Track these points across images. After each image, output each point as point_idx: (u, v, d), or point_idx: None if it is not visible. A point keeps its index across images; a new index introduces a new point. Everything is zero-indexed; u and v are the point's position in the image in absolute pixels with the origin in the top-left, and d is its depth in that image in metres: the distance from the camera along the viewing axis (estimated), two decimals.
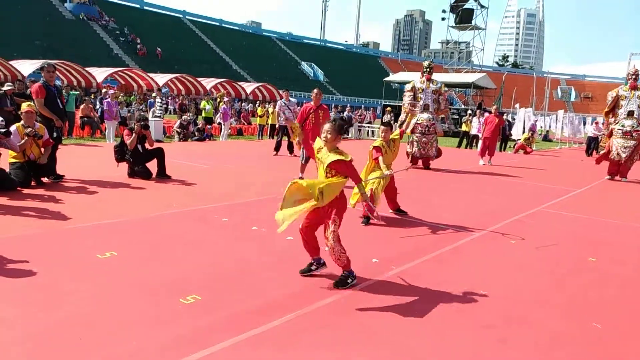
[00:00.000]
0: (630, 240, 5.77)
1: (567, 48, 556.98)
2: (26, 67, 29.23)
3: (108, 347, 2.64)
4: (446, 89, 11.48)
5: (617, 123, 11.19)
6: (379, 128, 5.95)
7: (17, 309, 3.02)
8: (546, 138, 30.46)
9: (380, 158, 5.68)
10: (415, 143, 11.15)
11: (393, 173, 5.73)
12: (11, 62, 28.73)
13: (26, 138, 6.58)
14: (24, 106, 6.90)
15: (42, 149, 6.88)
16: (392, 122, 7.76)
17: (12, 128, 6.68)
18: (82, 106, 15.44)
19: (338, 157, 3.52)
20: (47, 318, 2.93)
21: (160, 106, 16.24)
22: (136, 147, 7.75)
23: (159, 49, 53.86)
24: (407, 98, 11.39)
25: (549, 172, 12.52)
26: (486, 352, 2.86)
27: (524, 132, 19.76)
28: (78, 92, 23.49)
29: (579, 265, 4.67)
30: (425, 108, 11.18)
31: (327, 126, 3.58)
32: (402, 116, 11.60)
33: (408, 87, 11.59)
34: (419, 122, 11.02)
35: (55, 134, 7.17)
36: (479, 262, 4.55)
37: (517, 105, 24.56)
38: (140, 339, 2.74)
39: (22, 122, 6.80)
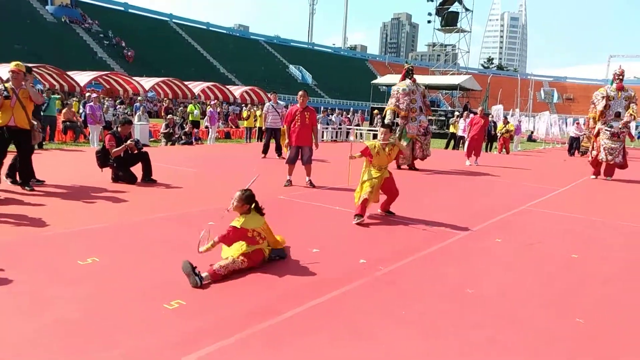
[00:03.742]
0: (613, 237, 5.83)
1: (549, 51, 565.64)
2: (5, 71, 28.73)
3: (91, 353, 2.56)
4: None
5: (604, 124, 11.29)
6: (379, 130, 6.05)
7: None
8: (530, 138, 30.85)
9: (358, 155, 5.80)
10: (419, 144, 11.30)
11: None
12: None
13: (4, 94, 6.07)
14: (12, 65, 6.37)
15: (29, 117, 6.40)
16: (389, 123, 7.67)
17: None
18: (64, 110, 15.20)
19: (233, 223, 3.97)
20: (28, 325, 2.84)
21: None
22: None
23: (131, 51, 52.92)
24: (406, 103, 11.14)
25: (534, 171, 12.64)
26: (475, 352, 2.84)
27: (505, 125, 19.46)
28: (60, 96, 23.13)
29: (564, 262, 4.69)
30: (421, 110, 11.33)
31: (235, 195, 4.05)
32: (390, 118, 11.48)
33: (404, 89, 11.24)
34: (419, 124, 11.20)
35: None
36: (466, 261, 4.55)
37: (497, 106, 25.09)
38: (124, 345, 2.66)
39: (9, 84, 6.36)
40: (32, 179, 6.90)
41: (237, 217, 4.02)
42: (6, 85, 6.33)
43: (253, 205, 4.11)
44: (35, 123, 6.81)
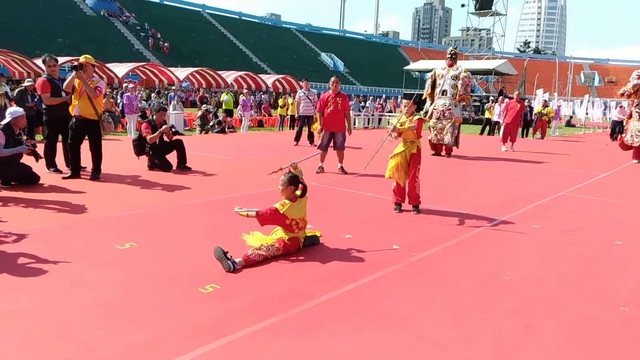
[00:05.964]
0: None
1: (590, 32, 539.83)
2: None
3: (127, 335, 2.65)
4: (466, 74, 11.13)
5: (636, 105, 10.88)
6: (402, 101, 5.86)
7: (39, 298, 3.06)
8: (569, 124, 29.70)
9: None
10: (431, 129, 11.03)
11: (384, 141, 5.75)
12: (34, 60, 29.25)
13: (74, 72, 6.42)
14: (82, 59, 6.75)
15: (96, 108, 6.77)
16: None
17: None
18: (103, 100, 15.63)
19: (277, 205, 3.94)
20: (68, 307, 2.95)
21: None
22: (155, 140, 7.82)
23: (167, 42, 53.88)
24: (426, 85, 11.45)
25: (573, 157, 12.18)
26: (511, 338, 2.77)
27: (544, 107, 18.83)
28: None
29: (605, 249, 4.51)
30: (443, 94, 10.95)
31: (281, 178, 4.06)
32: (427, 103, 11.42)
33: (429, 74, 11.59)
34: (435, 108, 10.89)
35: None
36: (502, 247, 4.44)
37: (539, 91, 24.16)
38: (159, 328, 2.74)
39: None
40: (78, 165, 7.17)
41: (283, 200, 4.00)
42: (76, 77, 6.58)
43: (300, 191, 4.08)
44: (106, 114, 7.15)
